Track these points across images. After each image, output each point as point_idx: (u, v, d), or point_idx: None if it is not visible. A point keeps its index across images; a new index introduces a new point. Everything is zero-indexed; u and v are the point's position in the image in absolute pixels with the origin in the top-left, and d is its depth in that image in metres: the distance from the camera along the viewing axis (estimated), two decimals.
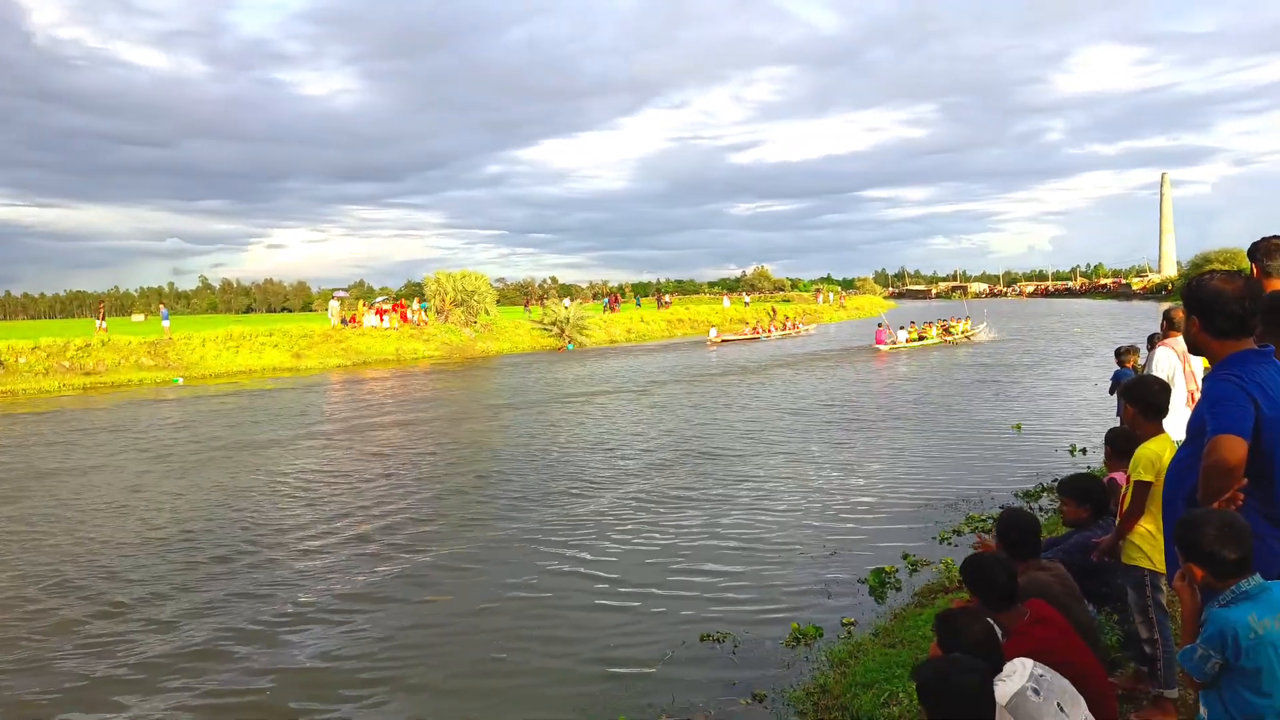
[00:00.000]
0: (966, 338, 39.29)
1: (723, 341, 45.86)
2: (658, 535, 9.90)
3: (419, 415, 20.66)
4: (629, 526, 10.26)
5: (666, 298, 75.84)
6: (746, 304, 74.06)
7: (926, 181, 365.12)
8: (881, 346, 35.85)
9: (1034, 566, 4.09)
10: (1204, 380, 3.19)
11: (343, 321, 43.23)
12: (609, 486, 12.38)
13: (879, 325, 38.18)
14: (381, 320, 43.50)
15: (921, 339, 37.75)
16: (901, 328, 38.34)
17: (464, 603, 7.96)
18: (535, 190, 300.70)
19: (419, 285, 53.56)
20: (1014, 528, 4.24)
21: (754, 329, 49.93)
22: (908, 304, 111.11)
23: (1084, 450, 13.17)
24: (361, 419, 20.25)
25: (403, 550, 9.58)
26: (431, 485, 12.82)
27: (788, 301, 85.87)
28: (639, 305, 72.82)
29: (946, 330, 39.49)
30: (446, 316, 45.39)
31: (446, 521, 10.75)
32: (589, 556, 9.17)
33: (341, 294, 54.02)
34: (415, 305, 47.16)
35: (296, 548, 9.78)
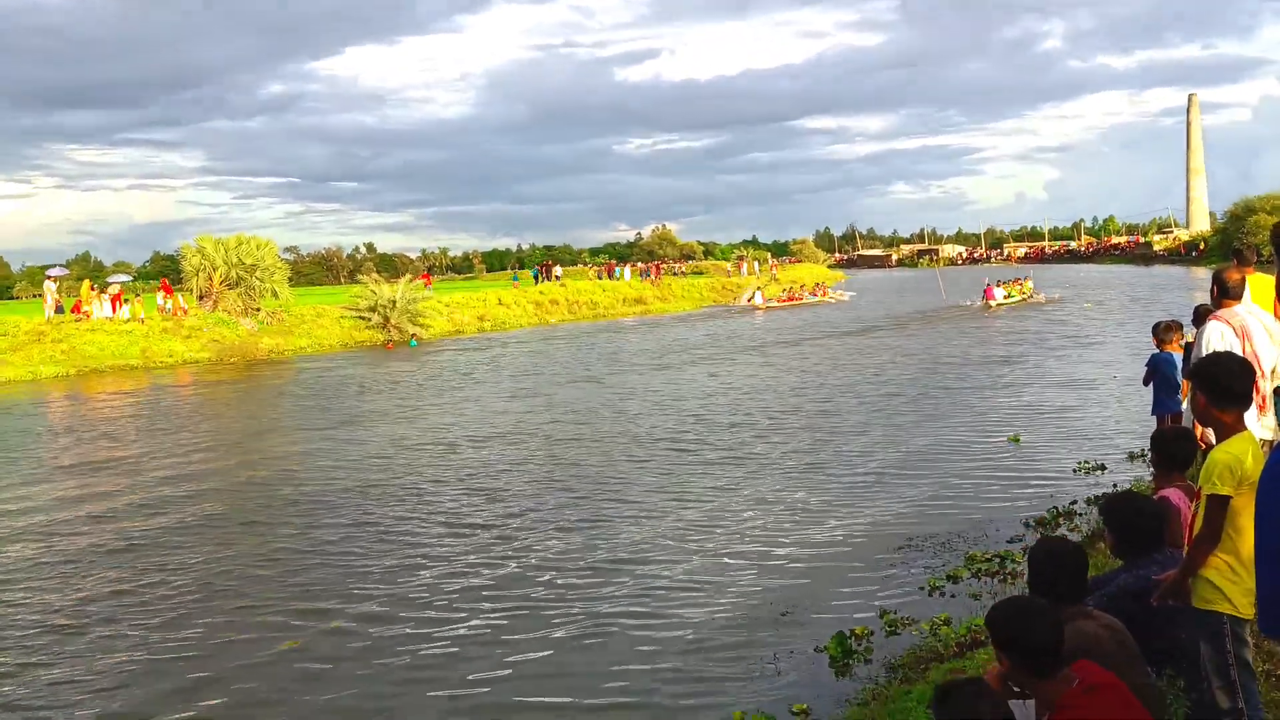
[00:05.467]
0: (1029, 298, 53.85)
1: (768, 307, 61.34)
2: (558, 579, 9.94)
3: (176, 450, 19.95)
4: (515, 592, 10.17)
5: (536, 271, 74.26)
6: (647, 277, 74.39)
7: (883, 107, 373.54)
8: (992, 301, 50.41)
9: (1077, 614, 4.16)
10: None
11: (61, 311, 41.70)
12: (494, 530, 12.34)
13: (986, 283, 54.08)
14: (119, 309, 41.93)
15: (1009, 297, 52.28)
16: (998, 284, 53.44)
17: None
18: (339, 120, 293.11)
19: (173, 258, 51.92)
20: (1051, 563, 4.30)
21: (790, 294, 67.48)
22: (861, 274, 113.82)
23: (1101, 467, 13.68)
24: (89, 459, 19.46)
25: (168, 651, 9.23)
26: (205, 555, 12.41)
27: (700, 274, 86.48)
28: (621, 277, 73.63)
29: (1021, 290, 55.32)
30: (215, 303, 44.05)
31: (241, 603, 10.40)
32: (474, 628, 9.08)
33: (59, 272, 51.85)
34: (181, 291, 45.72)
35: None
